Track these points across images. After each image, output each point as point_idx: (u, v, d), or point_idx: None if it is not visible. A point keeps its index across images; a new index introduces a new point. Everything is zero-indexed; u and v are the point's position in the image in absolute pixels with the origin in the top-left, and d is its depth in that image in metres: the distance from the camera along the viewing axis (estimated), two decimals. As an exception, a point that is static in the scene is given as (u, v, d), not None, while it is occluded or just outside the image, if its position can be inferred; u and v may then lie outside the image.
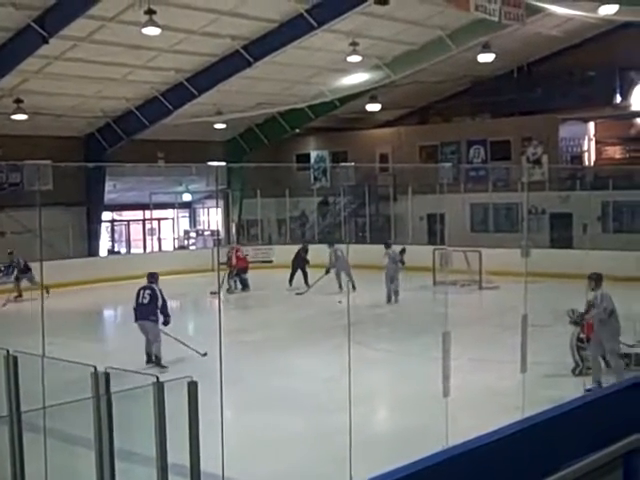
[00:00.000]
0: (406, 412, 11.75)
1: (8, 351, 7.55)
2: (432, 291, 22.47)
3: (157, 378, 6.30)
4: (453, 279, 23.08)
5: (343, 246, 24.33)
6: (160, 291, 15.06)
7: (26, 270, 24.22)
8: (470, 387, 12.20)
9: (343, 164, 35.71)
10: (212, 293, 23.24)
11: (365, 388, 11.56)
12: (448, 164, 32.72)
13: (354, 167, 33.80)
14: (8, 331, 15.58)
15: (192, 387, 6.26)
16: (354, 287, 21.91)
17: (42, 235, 22.69)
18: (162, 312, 14.97)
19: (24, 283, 24.10)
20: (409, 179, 32.16)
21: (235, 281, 25.63)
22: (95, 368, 6.60)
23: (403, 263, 23.10)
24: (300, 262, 26.04)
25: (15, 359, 7.36)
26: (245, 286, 25.79)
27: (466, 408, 10.85)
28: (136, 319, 15.08)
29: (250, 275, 26.10)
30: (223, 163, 33.24)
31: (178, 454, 6.53)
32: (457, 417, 9.14)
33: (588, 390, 11.55)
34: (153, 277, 15.47)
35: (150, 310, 14.89)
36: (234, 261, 25.54)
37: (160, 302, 14.95)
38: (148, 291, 15.04)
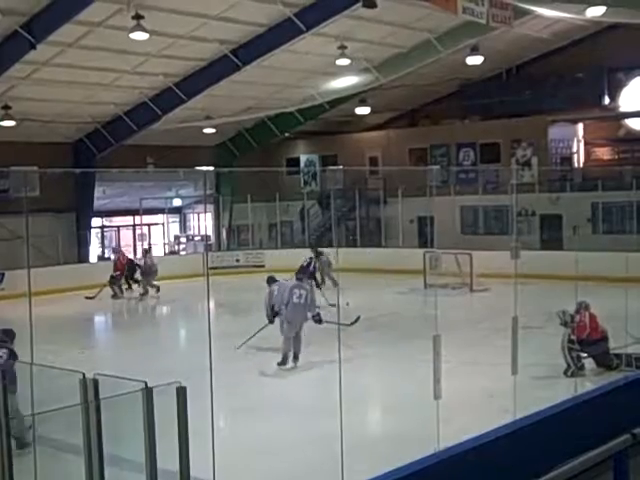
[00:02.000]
0: (398, 415, 11.72)
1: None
2: (423, 294, 22.46)
3: (145, 384, 6.25)
4: (444, 282, 23.12)
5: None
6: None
7: None
8: (461, 389, 12.19)
9: (332, 167, 35.71)
10: (87, 297, 24.04)
11: (357, 392, 11.53)
12: (436, 167, 32.74)
13: (344, 170, 33.80)
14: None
15: (181, 392, 6.24)
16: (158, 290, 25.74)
17: (30, 242, 22.67)
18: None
19: None
20: (399, 182, 32.17)
21: (119, 286, 25.59)
22: (83, 375, 6.58)
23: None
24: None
25: None
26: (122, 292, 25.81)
27: (458, 411, 10.83)
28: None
29: (241, 279, 26.07)
30: (211, 168, 33.21)
31: (169, 460, 6.49)
32: (449, 420, 9.13)
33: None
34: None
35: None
36: (120, 265, 25.69)
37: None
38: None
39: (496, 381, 12.11)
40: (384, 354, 15.66)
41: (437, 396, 8.99)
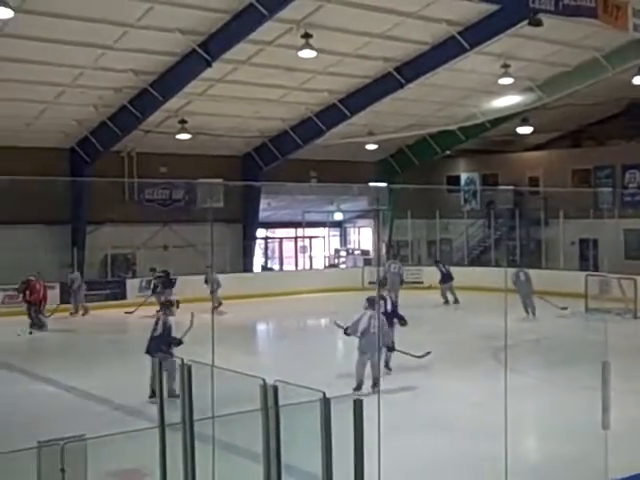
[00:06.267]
0: (561, 442, 11.35)
1: (183, 360, 7.77)
2: (584, 318, 21.92)
3: (324, 394, 6.25)
4: (606, 307, 22.46)
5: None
6: (392, 297, 17.03)
7: (170, 285, 25.37)
8: (632, 420, 11.70)
9: (503, 187, 35.38)
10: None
11: (517, 415, 11.36)
12: (607, 189, 31.90)
13: (513, 190, 33.58)
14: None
15: (357, 405, 6.21)
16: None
17: (201, 249, 23.47)
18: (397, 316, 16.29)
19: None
20: (560, 203, 31.61)
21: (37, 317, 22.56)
22: (264, 380, 6.63)
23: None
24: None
25: (189, 367, 7.64)
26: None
27: (628, 443, 10.36)
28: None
29: (402, 294, 26.17)
30: (384, 184, 33.44)
31: (339, 473, 6.39)
32: (618, 452, 8.78)
33: None
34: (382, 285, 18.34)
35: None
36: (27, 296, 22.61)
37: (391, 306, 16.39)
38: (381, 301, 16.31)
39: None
40: (547, 378, 15.34)
41: (605, 426, 8.72)
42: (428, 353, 15.98)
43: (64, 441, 5.93)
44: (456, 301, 26.92)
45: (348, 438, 6.34)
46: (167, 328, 13.83)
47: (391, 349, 14.72)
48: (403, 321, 16.14)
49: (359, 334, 14.17)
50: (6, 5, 16.87)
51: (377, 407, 7.03)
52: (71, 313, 24.95)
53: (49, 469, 5.92)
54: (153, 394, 12.37)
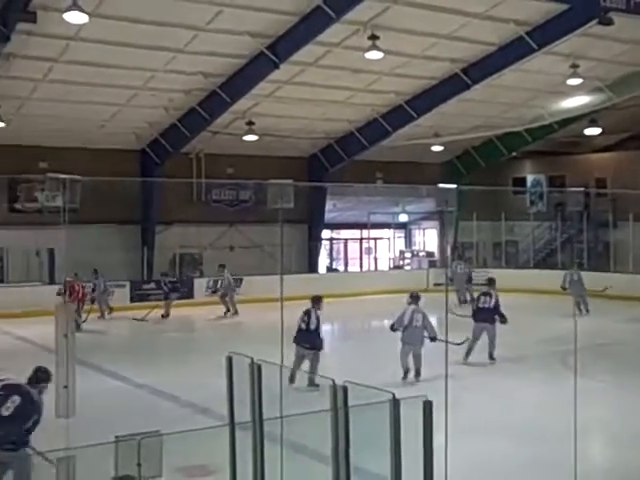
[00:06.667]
0: (631, 448, 11.12)
1: (252, 359, 7.91)
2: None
3: (393, 395, 6.22)
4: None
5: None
6: (496, 296, 17.32)
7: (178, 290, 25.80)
8: None
9: (573, 189, 34.99)
10: (135, 319, 23.61)
11: (586, 420, 11.19)
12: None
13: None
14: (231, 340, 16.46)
15: (427, 406, 6.16)
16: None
17: (267, 250, 23.51)
18: (499, 314, 17.06)
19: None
20: (630, 205, 31.10)
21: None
22: (333, 381, 6.61)
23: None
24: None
25: (259, 367, 7.76)
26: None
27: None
28: (476, 320, 17.17)
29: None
30: (453, 185, 33.36)
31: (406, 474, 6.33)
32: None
33: None
34: (491, 283, 18.01)
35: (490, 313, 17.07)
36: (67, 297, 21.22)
37: (494, 303, 17.14)
38: (487, 297, 17.31)
39: None
40: (617, 383, 15.16)
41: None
42: (467, 339, 16.76)
43: (141, 436, 6.14)
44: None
45: (415, 439, 6.32)
46: (318, 322, 14.73)
47: (433, 339, 15.21)
48: (504, 319, 16.97)
49: (402, 327, 15.35)
50: (81, 10, 17.38)
51: (444, 411, 7.05)
52: (98, 317, 24.42)
53: (126, 463, 6.15)
54: (292, 380, 13.39)
